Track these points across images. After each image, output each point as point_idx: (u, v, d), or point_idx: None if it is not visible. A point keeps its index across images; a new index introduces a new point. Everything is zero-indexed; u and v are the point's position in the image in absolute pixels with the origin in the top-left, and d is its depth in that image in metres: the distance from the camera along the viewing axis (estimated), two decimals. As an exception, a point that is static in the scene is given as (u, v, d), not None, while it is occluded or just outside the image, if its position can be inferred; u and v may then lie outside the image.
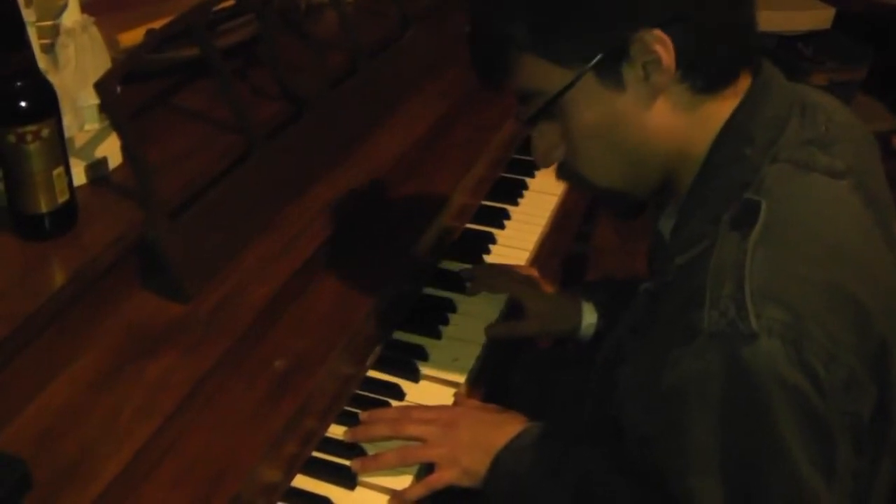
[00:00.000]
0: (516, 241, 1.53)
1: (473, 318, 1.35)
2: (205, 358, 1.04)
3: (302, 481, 1.08)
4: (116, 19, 1.36)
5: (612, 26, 0.87)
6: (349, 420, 1.15)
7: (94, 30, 1.20)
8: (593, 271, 2.20)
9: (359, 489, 1.08)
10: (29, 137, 1.00)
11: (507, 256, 1.49)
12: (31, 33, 1.08)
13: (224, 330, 1.08)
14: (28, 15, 1.06)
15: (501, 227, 1.56)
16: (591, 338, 1.33)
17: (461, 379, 1.24)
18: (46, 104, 1.01)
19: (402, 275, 1.31)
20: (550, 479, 1.05)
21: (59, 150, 1.04)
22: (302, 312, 1.18)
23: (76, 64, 1.18)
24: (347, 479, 1.08)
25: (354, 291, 1.22)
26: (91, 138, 1.20)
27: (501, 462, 1.08)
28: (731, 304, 0.81)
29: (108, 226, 1.09)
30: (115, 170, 1.19)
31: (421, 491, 1.08)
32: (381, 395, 1.20)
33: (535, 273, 1.44)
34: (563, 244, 1.65)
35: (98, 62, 1.19)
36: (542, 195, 1.65)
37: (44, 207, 1.04)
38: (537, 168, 1.72)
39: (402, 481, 1.09)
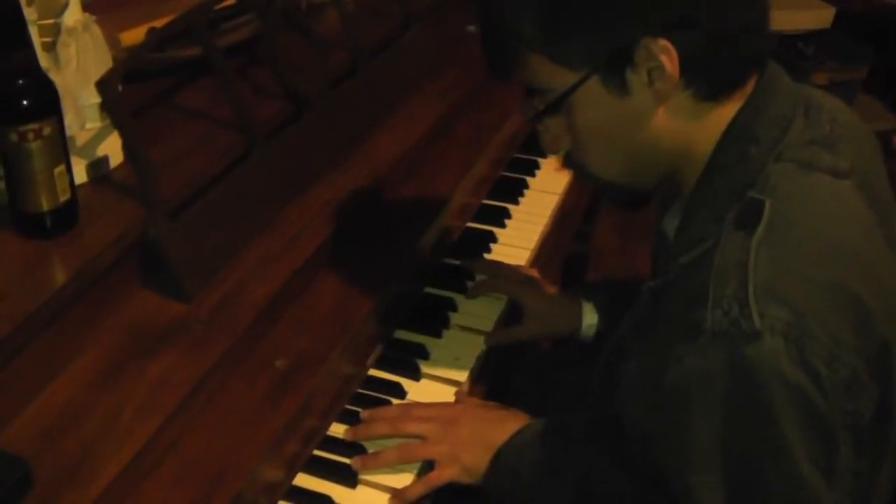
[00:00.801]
0: (517, 240, 1.53)
1: (474, 318, 1.35)
2: (206, 357, 1.04)
3: (303, 480, 1.08)
4: (118, 18, 1.36)
5: (617, 32, 0.87)
6: (350, 419, 1.15)
7: (95, 28, 1.20)
8: (593, 271, 2.20)
9: (360, 488, 1.08)
10: (30, 136, 1.00)
11: (507, 255, 1.49)
12: (33, 32, 1.08)
13: (225, 329, 1.08)
14: (29, 13, 1.06)
15: (502, 226, 1.56)
16: (591, 338, 1.33)
17: (462, 378, 1.24)
18: (48, 103, 1.01)
19: (403, 274, 1.31)
20: (551, 476, 1.05)
21: (61, 148, 1.04)
22: (303, 311, 1.18)
23: (77, 63, 1.18)
24: (349, 478, 1.08)
25: (355, 290, 1.22)
26: (92, 137, 1.20)
27: (502, 459, 1.08)
28: (734, 304, 0.81)
29: (109, 225, 1.09)
30: (117, 168, 1.19)
31: (421, 489, 1.08)
32: (383, 393, 1.20)
33: (535, 273, 1.44)
34: (563, 243, 1.65)
35: (99, 61, 1.20)
36: (543, 194, 1.65)
37: (45, 206, 1.04)
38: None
39: (403, 479, 1.09)
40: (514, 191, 1.64)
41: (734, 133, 0.91)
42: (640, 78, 0.88)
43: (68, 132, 1.08)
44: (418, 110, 1.57)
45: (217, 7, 1.23)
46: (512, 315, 1.37)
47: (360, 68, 1.48)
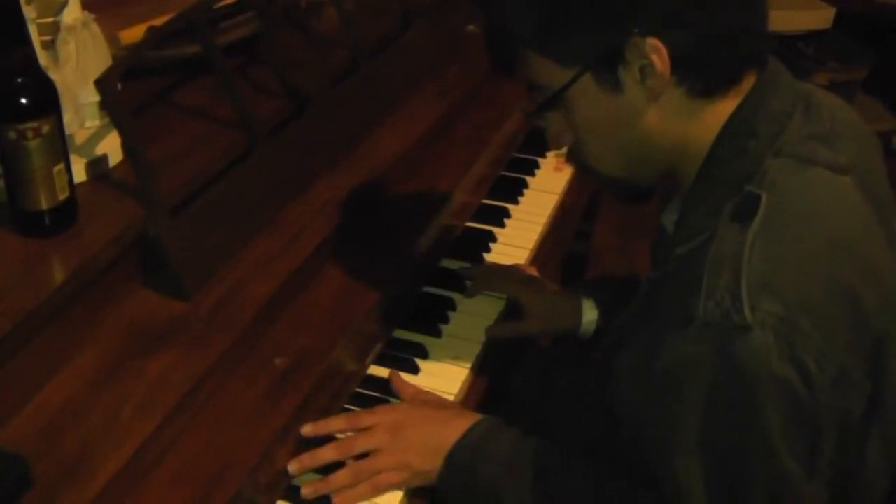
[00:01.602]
0: (517, 239, 1.53)
1: (474, 317, 1.35)
2: (205, 356, 1.04)
3: (302, 479, 1.07)
4: (117, 16, 1.36)
5: (608, 31, 0.88)
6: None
7: (94, 26, 1.20)
8: (593, 270, 2.20)
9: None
10: (29, 134, 1.00)
11: (507, 255, 1.49)
12: (32, 30, 1.08)
13: (224, 328, 1.08)
14: (29, 11, 1.06)
15: (502, 225, 1.56)
16: (591, 335, 1.33)
17: (461, 377, 1.24)
18: (47, 101, 1.01)
19: (403, 273, 1.31)
20: (508, 469, 1.05)
21: (60, 146, 1.04)
22: (302, 310, 1.18)
23: (77, 61, 1.18)
24: (348, 478, 1.08)
25: (355, 289, 1.22)
26: (91, 135, 1.20)
27: (455, 459, 1.07)
28: (726, 295, 0.82)
29: (109, 223, 1.09)
30: (116, 167, 1.19)
31: (366, 490, 1.05)
32: (381, 393, 1.20)
33: (534, 272, 1.44)
34: (563, 243, 1.65)
35: (99, 59, 1.19)
36: (543, 194, 1.65)
37: (44, 204, 1.04)
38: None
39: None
40: (514, 190, 1.64)
41: (733, 128, 0.92)
42: (632, 75, 0.89)
43: (67, 130, 1.08)
44: (418, 109, 1.57)
45: (217, 5, 1.23)
46: (511, 314, 1.37)
47: (361, 67, 1.47)
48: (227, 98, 1.23)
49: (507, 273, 1.41)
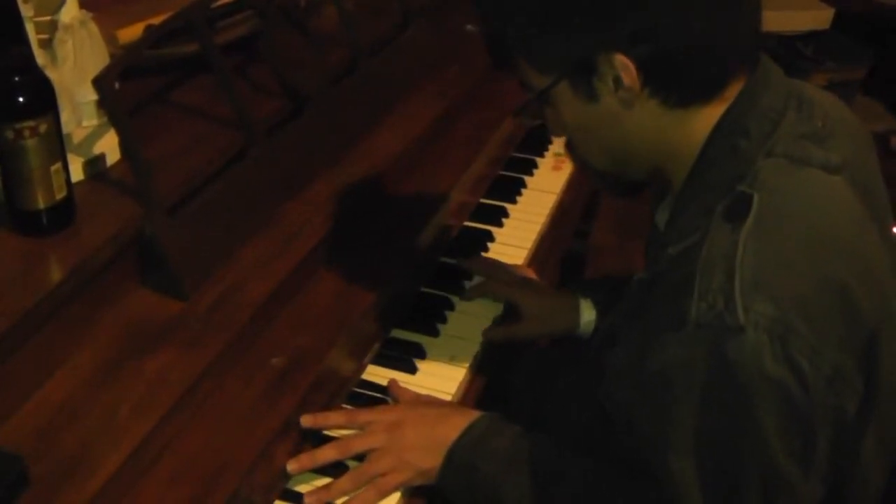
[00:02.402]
0: (515, 239, 1.53)
1: (472, 317, 1.35)
2: (203, 355, 1.04)
3: (299, 479, 1.07)
4: (115, 15, 1.36)
5: (578, 44, 0.89)
6: (347, 418, 1.14)
7: (92, 25, 1.20)
8: (591, 270, 2.20)
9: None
10: (27, 133, 1.00)
11: (505, 254, 1.49)
12: (29, 29, 1.08)
13: (222, 327, 1.08)
14: (26, 10, 1.06)
15: (500, 225, 1.56)
16: (590, 335, 1.33)
17: (459, 377, 1.24)
18: (44, 100, 1.01)
19: (401, 273, 1.31)
20: (509, 464, 1.05)
21: (57, 146, 1.03)
22: (300, 310, 1.18)
23: (74, 60, 1.18)
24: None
25: (353, 289, 1.22)
26: (89, 134, 1.20)
27: (455, 457, 1.07)
28: (719, 297, 0.82)
29: (106, 222, 1.08)
30: (114, 166, 1.18)
31: (371, 495, 1.05)
32: (379, 392, 1.20)
33: (531, 273, 1.43)
34: (561, 242, 1.65)
35: (96, 58, 1.19)
36: (541, 193, 1.65)
37: (41, 204, 1.04)
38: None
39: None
40: (512, 190, 1.64)
41: (725, 127, 0.92)
42: (606, 85, 0.90)
43: (65, 129, 1.08)
44: (417, 109, 1.57)
45: (215, 4, 1.23)
46: (509, 315, 1.37)
47: (360, 66, 1.47)
48: (225, 97, 1.23)
49: (505, 276, 1.41)
